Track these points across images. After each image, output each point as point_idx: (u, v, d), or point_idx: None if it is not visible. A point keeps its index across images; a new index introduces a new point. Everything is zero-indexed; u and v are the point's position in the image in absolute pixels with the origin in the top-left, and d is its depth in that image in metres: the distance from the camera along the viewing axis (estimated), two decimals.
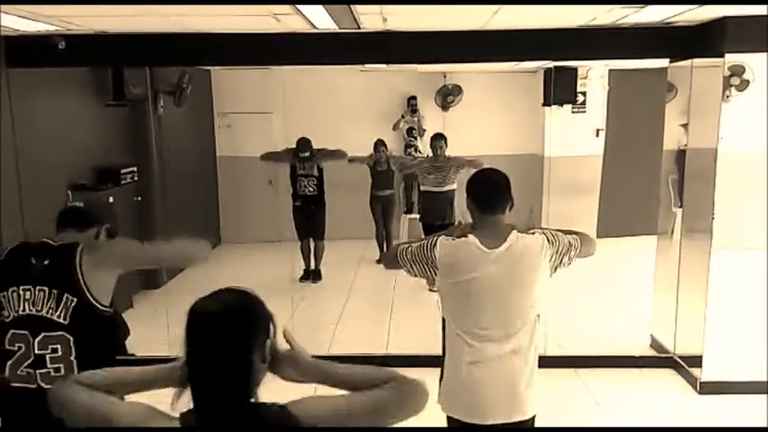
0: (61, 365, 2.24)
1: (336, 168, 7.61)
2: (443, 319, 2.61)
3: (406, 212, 9.00)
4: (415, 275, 2.61)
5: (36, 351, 2.24)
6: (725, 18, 4.24)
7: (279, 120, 8.73)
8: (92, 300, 2.27)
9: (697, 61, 4.79)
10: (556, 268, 2.55)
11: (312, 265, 7.70)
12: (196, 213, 8.47)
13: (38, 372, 2.24)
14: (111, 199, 6.04)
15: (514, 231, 2.50)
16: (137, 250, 2.52)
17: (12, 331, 2.26)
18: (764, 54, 4.39)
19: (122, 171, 6.35)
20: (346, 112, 9.15)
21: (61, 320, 2.24)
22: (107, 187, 6.12)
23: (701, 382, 4.68)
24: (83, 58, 4.92)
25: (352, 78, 8.86)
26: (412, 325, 6.22)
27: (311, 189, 7.45)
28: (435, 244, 2.52)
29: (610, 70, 8.51)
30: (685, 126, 5.09)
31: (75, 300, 2.24)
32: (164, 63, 6.20)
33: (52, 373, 2.22)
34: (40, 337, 2.24)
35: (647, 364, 5.13)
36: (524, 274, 2.48)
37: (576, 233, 2.62)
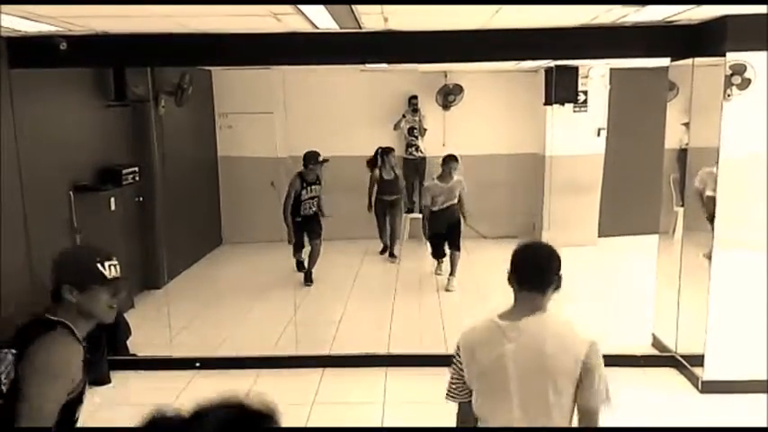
0: None
1: (335, 171, 7.58)
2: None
3: (407, 212, 9.04)
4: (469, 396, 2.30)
5: None
6: (726, 17, 4.23)
7: (280, 120, 8.74)
8: None
9: (698, 60, 4.78)
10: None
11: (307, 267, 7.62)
12: (197, 213, 8.48)
13: None
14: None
15: (544, 313, 2.23)
16: (27, 388, 2.02)
17: None
18: (765, 53, 4.38)
19: (124, 171, 6.34)
20: (347, 111, 9.15)
21: None
22: (108, 188, 6.13)
23: (702, 381, 4.68)
24: (84, 58, 4.93)
25: (354, 78, 8.86)
26: (413, 325, 6.22)
27: (315, 208, 7.49)
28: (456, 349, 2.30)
29: (611, 69, 8.50)
30: (687, 125, 5.08)
31: None
32: (165, 63, 6.21)
33: None
34: None
35: (648, 364, 5.13)
36: (546, 362, 2.15)
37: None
